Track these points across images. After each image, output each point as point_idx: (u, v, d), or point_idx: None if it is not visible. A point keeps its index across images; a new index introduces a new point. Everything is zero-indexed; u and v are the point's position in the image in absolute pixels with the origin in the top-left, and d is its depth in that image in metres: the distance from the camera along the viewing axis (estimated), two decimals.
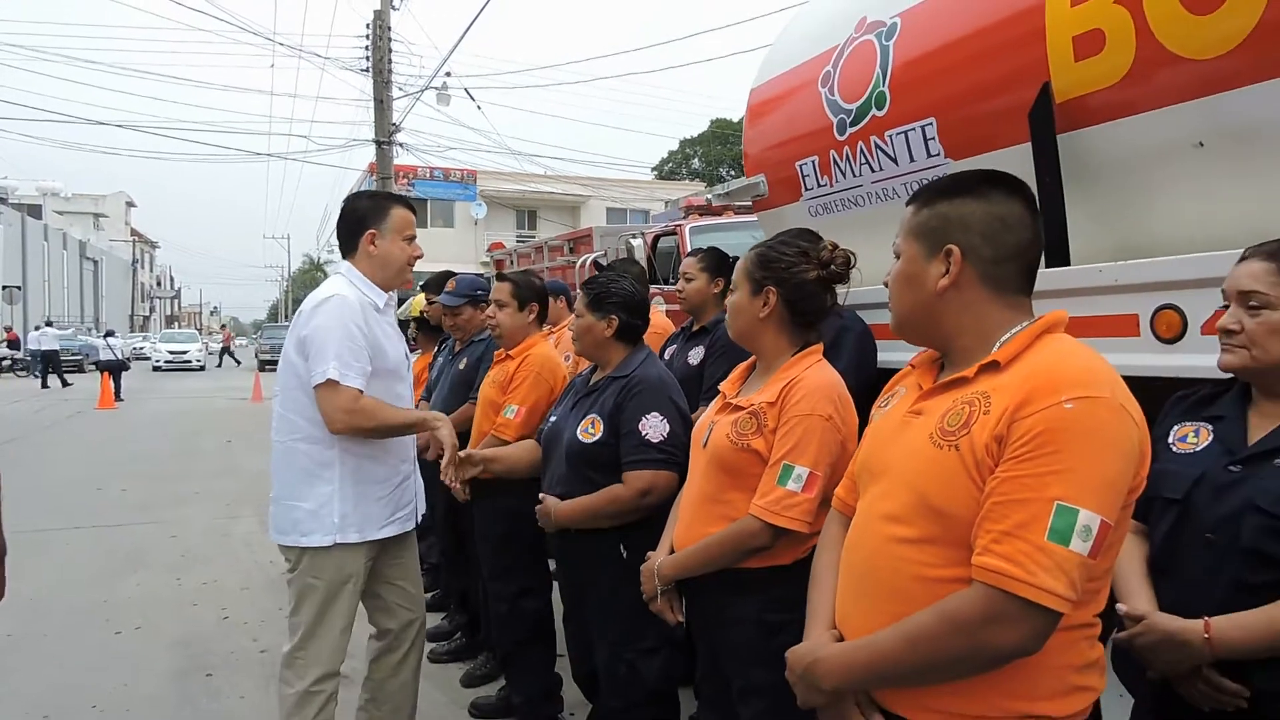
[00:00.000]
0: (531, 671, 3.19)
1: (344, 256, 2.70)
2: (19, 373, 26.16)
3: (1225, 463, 1.47)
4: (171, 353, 30.54)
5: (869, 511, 1.34)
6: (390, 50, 17.62)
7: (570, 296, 4.72)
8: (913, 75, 2.75)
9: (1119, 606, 1.47)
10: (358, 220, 2.66)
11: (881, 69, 2.87)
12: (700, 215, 8.01)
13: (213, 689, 3.78)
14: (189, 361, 30.49)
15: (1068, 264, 2.26)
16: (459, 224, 31.85)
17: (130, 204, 68.62)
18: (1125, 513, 1.19)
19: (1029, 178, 2.32)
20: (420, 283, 5.36)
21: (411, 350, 5.68)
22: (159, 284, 78.24)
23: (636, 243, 7.82)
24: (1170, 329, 1.95)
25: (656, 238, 8.16)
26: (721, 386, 2.09)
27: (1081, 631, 1.21)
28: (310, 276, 62.76)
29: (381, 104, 17.59)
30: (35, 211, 48.69)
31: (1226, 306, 1.57)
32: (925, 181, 2.75)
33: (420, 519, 2.85)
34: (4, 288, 33.32)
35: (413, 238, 2.70)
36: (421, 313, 5.00)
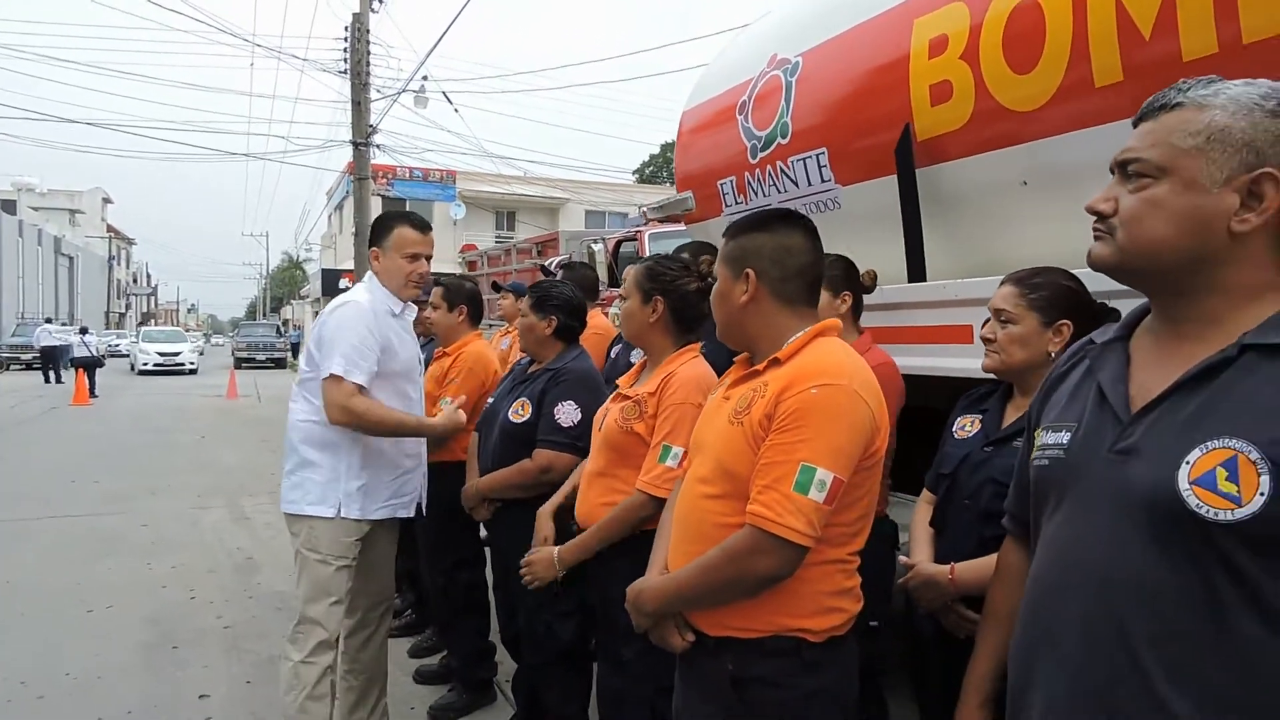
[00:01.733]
0: (466, 637, 3.52)
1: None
2: None
3: (982, 444, 1.84)
4: (161, 354, 26.78)
5: (691, 476, 1.69)
6: (369, 53, 17.84)
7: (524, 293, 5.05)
8: (809, 109, 3.11)
9: (901, 558, 1.84)
10: (372, 237, 2.98)
11: (786, 101, 3.22)
12: (660, 222, 8.36)
13: (179, 659, 4.08)
14: (182, 364, 26.89)
15: (924, 280, 2.62)
16: (438, 224, 31.39)
17: (107, 200, 68.10)
18: (870, 473, 1.55)
19: (897, 205, 2.69)
20: None
21: None
22: (135, 280, 77.74)
23: (598, 247, 8.16)
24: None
25: (618, 243, 8.51)
26: (619, 381, 2.43)
27: (836, 565, 1.57)
28: (288, 274, 62.56)
29: (359, 106, 17.80)
30: (9, 207, 48.41)
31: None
32: (818, 204, 3.11)
33: (421, 511, 3.07)
34: None
35: (415, 255, 2.91)
36: None
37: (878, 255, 2.80)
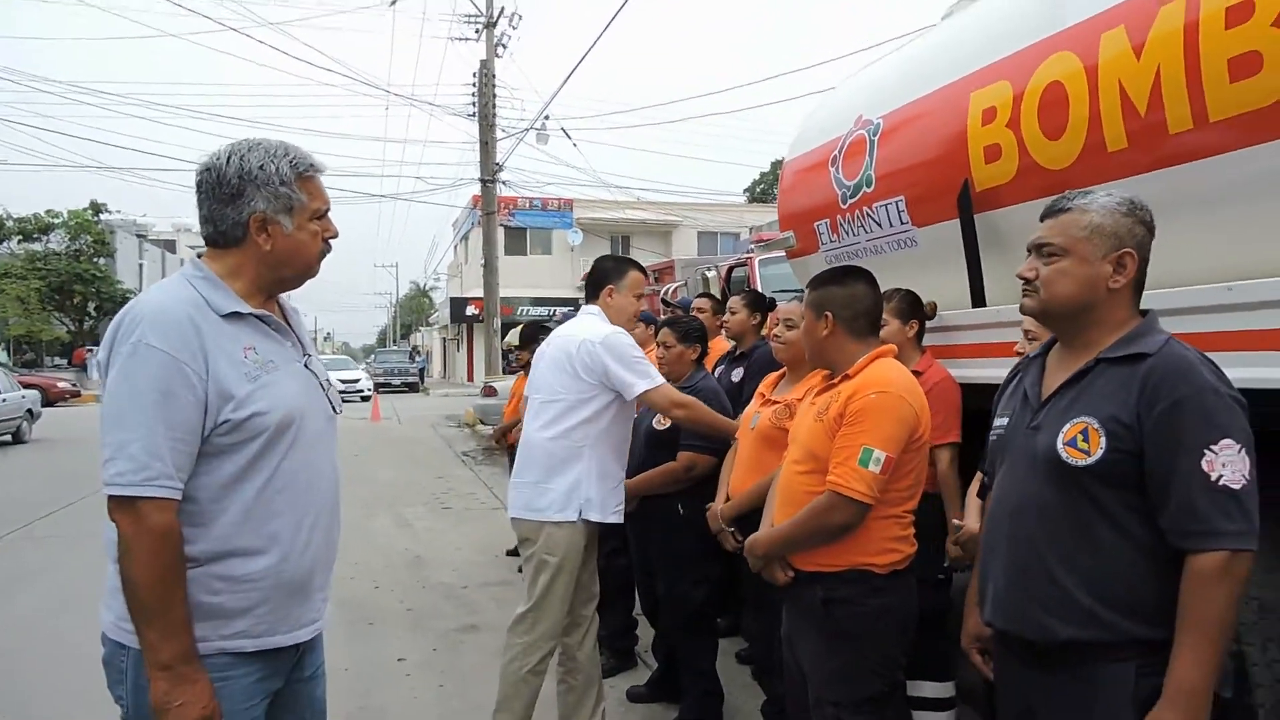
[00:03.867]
0: (618, 613, 4.25)
1: (588, 301, 3.39)
2: None
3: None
4: (343, 381, 26.80)
5: (788, 458, 2.36)
6: (494, 96, 19.19)
7: (657, 324, 5.75)
8: (889, 163, 3.70)
9: (952, 520, 2.44)
10: (603, 275, 3.32)
11: (870, 156, 3.82)
12: (769, 248, 8.98)
13: (376, 633, 4.98)
14: (361, 390, 28.26)
15: (984, 305, 3.18)
16: (556, 251, 33.45)
17: None
18: (916, 453, 2.19)
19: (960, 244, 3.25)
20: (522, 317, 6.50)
21: (512, 371, 6.67)
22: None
23: (711, 275, 8.85)
24: None
25: (730, 269, 9.16)
26: (761, 389, 3.13)
27: (893, 519, 2.22)
28: (417, 302, 65.68)
29: (486, 145, 19.14)
30: (170, 246, 53.10)
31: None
32: (899, 242, 3.70)
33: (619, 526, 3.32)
34: None
35: (640, 295, 3.34)
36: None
37: (948, 284, 3.37)
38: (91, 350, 33.64)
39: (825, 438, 2.24)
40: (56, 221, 37.92)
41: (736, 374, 4.23)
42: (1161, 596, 1.55)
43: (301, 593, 1.79)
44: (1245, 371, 2.27)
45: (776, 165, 48.27)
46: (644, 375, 3.09)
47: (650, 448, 3.58)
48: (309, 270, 1.84)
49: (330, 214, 1.85)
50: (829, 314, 2.35)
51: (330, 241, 1.85)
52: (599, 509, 3.12)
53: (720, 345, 5.07)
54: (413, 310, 67.72)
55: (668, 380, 3.48)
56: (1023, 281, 1.76)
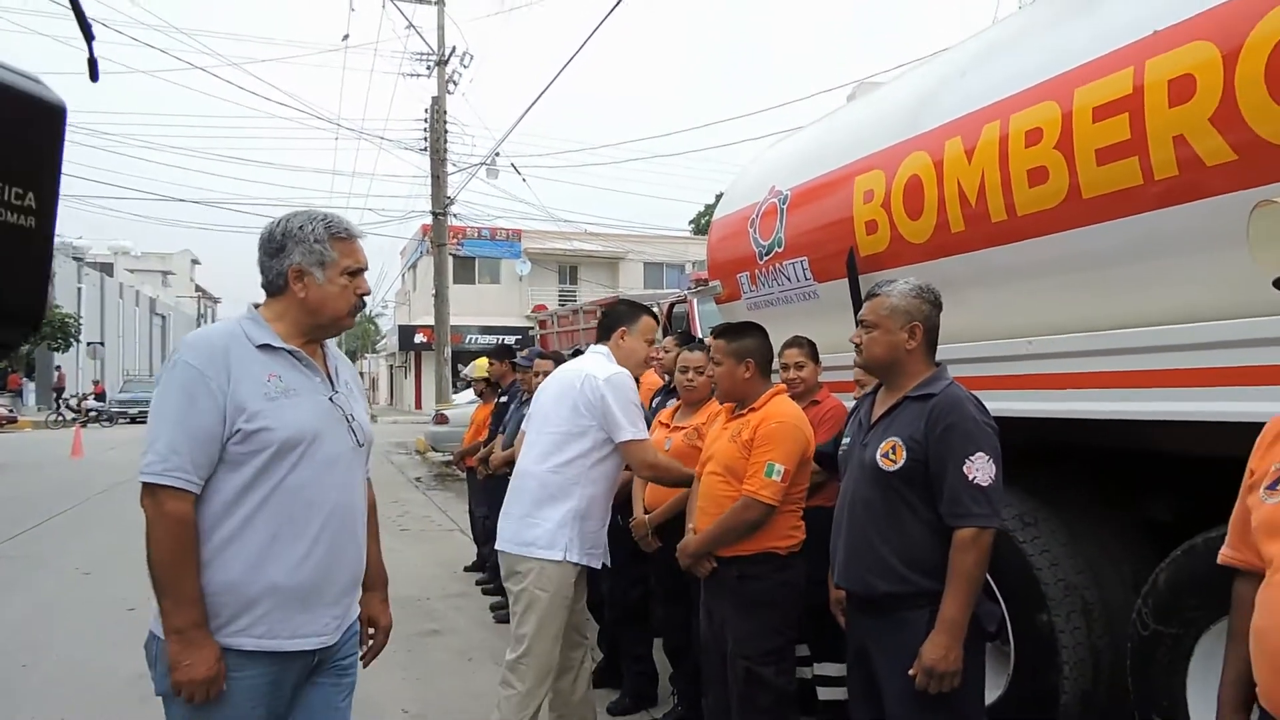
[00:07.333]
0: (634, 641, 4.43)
1: (599, 341, 3.43)
2: (104, 423, 28.42)
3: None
4: None
5: (706, 470, 3.05)
6: (446, 131, 19.75)
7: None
8: (796, 228, 4.45)
9: None
10: (617, 318, 3.43)
11: (780, 221, 4.57)
12: (701, 292, 9.75)
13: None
14: None
15: None
16: (505, 280, 33.90)
17: (195, 261, 72.51)
18: (806, 465, 2.89)
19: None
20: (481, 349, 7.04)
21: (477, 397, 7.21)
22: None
23: (655, 310, 9.56)
24: None
25: (672, 306, 9.89)
26: (661, 419, 3.80)
27: (792, 513, 2.93)
28: (363, 329, 65.39)
29: (438, 179, 19.65)
30: (107, 269, 52.13)
31: None
32: (804, 294, 4.42)
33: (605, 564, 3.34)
34: (89, 344, 36.11)
35: (653, 341, 3.45)
36: (487, 373, 6.76)
37: (844, 331, 4.09)
38: (28, 378, 33.12)
39: (739, 455, 2.95)
40: None
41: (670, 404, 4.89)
42: (944, 560, 2.26)
43: (304, 603, 1.95)
44: (1038, 405, 3.04)
45: (719, 198, 49.59)
46: (633, 424, 3.15)
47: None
48: (339, 319, 2.08)
49: (365, 274, 2.11)
50: (750, 360, 3.07)
51: (364, 298, 2.12)
52: (579, 551, 3.14)
53: (654, 379, 5.73)
54: (359, 336, 67.39)
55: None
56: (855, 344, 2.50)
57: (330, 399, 2.07)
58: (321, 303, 2.03)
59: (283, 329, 2.03)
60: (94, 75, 1.73)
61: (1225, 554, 1.75)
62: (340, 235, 2.05)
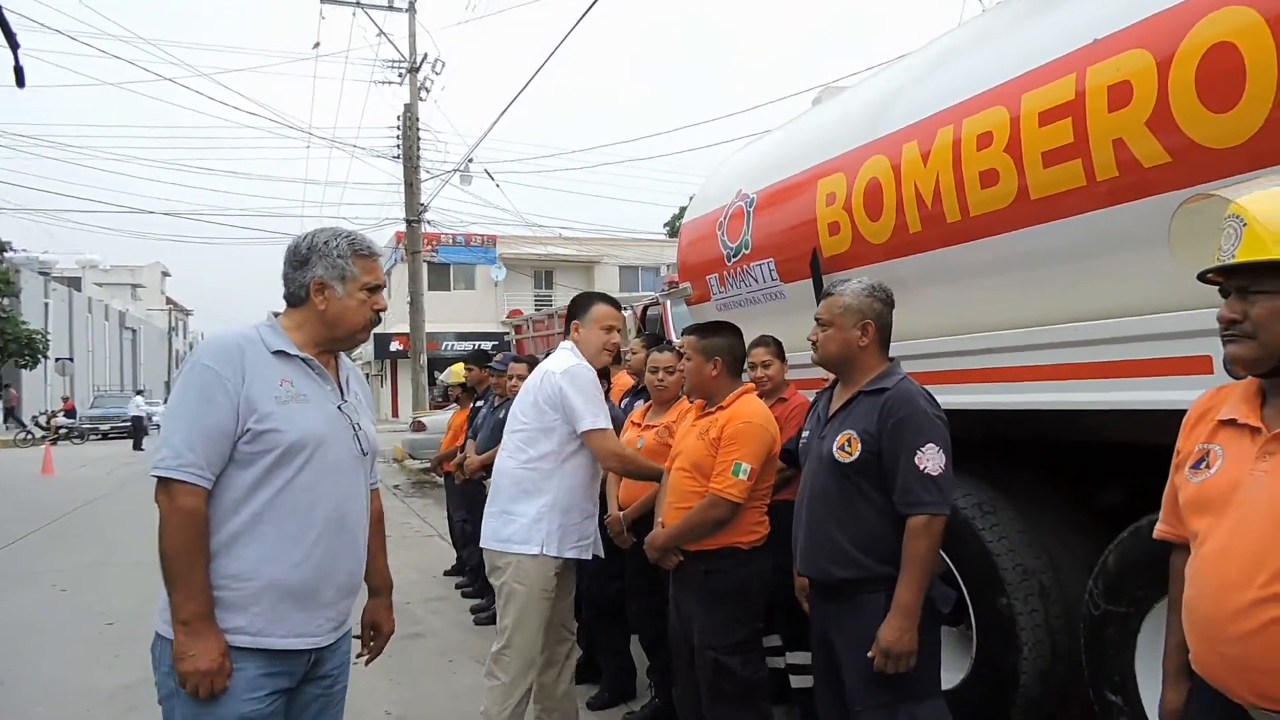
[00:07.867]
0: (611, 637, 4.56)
1: (565, 336, 3.47)
2: (75, 440, 28.06)
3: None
4: None
5: (675, 466, 3.14)
6: (419, 139, 19.71)
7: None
8: (762, 230, 4.56)
9: None
10: (571, 312, 3.47)
11: (747, 224, 4.68)
12: (672, 295, 9.85)
13: None
14: None
15: None
16: (480, 286, 33.87)
17: (165, 273, 71.58)
18: (771, 463, 2.98)
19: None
20: (458, 354, 7.13)
21: (444, 405, 7.28)
22: (191, 349, 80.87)
23: (627, 313, 9.64)
24: None
25: (645, 308, 10.00)
26: (633, 418, 3.89)
27: (756, 509, 3.01)
28: None
29: (411, 187, 19.60)
30: (75, 284, 51.36)
31: None
32: (771, 294, 4.53)
33: (598, 555, 3.40)
34: (57, 360, 35.57)
35: (610, 328, 3.36)
36: (463, 378, 6.83)
37: (809, 330, 4.21)
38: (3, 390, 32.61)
39: (707, 453, 3.03)
40: None
41: (639, 405, 4.98)
42: (899, 547, 2.37)
43: (301, 603, 2.00)
44: (989, 398, 3.16)
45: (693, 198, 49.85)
46: (594, 415, 3.18)
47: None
48: (355, 333, 2.13)
49: (382, 291, 2.18)
50: (719, 359, 3.15)
51: (380, 314, 2.18)
52: (556, 544, 3.18)
53: (625, 379, 5.81)
54: None
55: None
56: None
57: (339, 407, 2.14)
58: (340, 316, 2.11)
59: (300, 338, 2.10)
60: (20, 82, 1.75)
61: (1160, 529, 1.86)
62: (363, 252, 2.13)
